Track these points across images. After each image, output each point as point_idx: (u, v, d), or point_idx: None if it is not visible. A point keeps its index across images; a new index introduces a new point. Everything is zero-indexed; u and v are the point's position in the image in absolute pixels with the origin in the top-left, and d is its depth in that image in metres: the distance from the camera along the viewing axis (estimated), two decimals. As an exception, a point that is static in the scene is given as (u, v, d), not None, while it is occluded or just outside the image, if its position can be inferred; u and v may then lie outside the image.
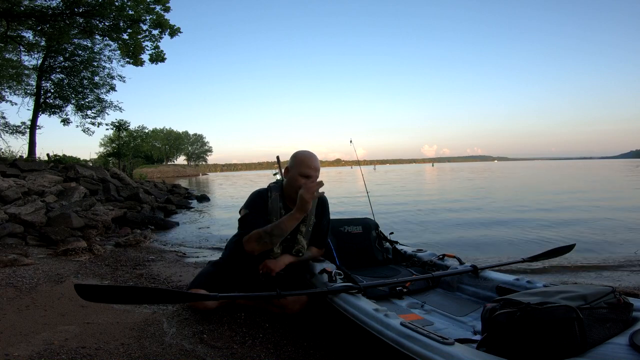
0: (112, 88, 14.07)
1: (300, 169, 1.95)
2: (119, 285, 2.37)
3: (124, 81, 14.08)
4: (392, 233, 2.68)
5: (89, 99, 14.08)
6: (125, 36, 11.18)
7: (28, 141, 12.67)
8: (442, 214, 7.77)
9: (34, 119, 12.80)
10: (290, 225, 1.85)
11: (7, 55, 11.53)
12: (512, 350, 1.02)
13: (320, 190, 2.18)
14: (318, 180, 1.86)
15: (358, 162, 3.72)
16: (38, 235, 4.33)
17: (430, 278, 1.93)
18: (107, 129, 23.47)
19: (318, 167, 2.00)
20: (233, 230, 2.20)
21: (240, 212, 2.03)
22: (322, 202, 2.15)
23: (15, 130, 12.75)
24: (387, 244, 2.61)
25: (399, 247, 2.56)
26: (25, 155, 11.91)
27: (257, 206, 1.99)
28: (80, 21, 10.85)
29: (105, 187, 8.26)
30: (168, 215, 8.40)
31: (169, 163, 76.78)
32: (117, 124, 21.40)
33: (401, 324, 1.21)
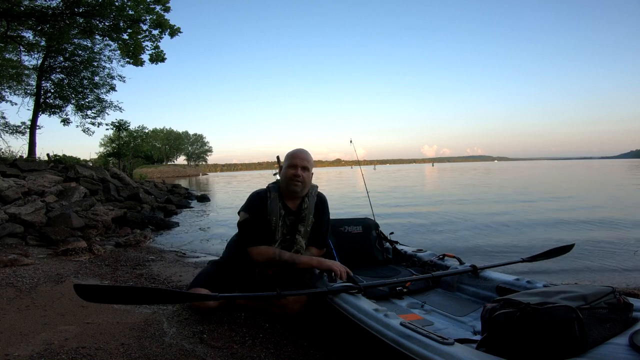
0: (112, 88, 14.07)
1: (288, 161, 2.03)
2: (119, 285, 2.37)
3: (124, 81, 14.09)
4: (392, 233, 2.68)
5: (89, 99, 14.07)
6: (125, 36, 11.18)
7: (28, 141, 12.66)
8: (460, 215, 7.77)
9: (34, 119, 12.79)
10: (303, 266, 1.91)
11: (7, 55, 11.52)
12: (511, 351, 1.02)
13: (320, 190, 2.19)
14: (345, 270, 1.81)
15: (358, 162, 3.72)
16: (38, 235, 4.33)
17: (430, 278, 1.93)
18: (107, 129, 23.53)
19: (305, 158, 2.03)
20: (233, 230, 2.19)
21: (239, 214, 2.03)
22: (321, 201, 2.15)
23: (15, 130, 12.75)
24: (387, 244, 2.61)
25: (399, 247, 2.57)
26: (25, 155, 11.90)
27: (256, 208, 1.99)
28: (80, 21, 10.85)
29: (105, 187, 8.26)
30: (168, 215, 8.40)
31: (169, 163, 76.75)
32: (117, 124, 21.41)
33: (401, 324, 1.21)
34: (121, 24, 10.70)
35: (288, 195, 2.03)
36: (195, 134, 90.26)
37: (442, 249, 3.55)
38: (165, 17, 11.02)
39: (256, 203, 2.01)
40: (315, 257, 1.97)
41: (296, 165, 1.98)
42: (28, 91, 13.01)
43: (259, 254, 1.91)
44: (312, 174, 2.08)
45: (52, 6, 10.36)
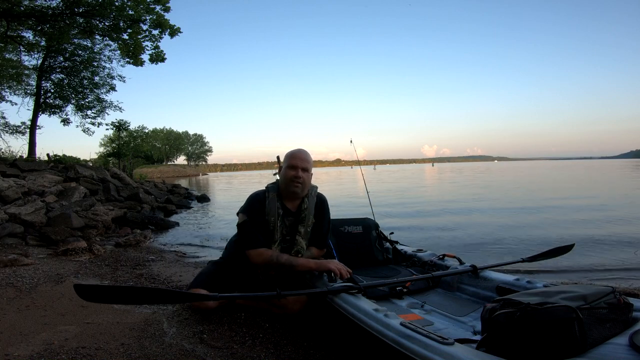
0: (112, 88, 14.07)
1: (288, 162, 2.01)
2: (119, 285, 2.37)
3: (124, 81, 14.09)
4: (392, 233, 2.68)
5: (89, 99, 14.07)
6: (125, 36, 11.18)
7: (28, 141, 12.66)
8: (449, 214, 7.77)
9: (34, 119, 12.79)
10: (301, 269, 1.89)
11: (7, 55, 11.53)
12: (511, 351, 1.02)
13: (319, 190, 2.19)
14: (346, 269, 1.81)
15: (358, 162, 3.72)
16: (38, 235, 4.33)
17: (430, 278, 1.93)
18: (107, 129, 23.51)
19: (305, 159, 2.03)
20: (233, 230, 2.20)
21: (238, 215, 2.03)
22: (321, 201, 2.15)
23: (15, 130, 12.75)
24: (387, 244, 2.61)
25: (399, 247, 2.56)
26: (25, 155, 11.90)
27: (254, 210, 1.99)
28: (80, 21, 10.85)
29: (105, 187, 8.26)
30: (168, 215, 8.40)
31: (169, 163, 76.77)
32: (117, 124, 21.42)
33: (401, 324, 1.21)
34: (121, 24, 10.70)
35: (287, 196, 2.03)
36: (195, 134, 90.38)
37: (442, 249, 3.55)
38: (165, 17, 11.03)
39: (255, 204, 2.00)
40: (313, 259, 1.96)
41: (296, 167, 1.98)
42: (28, 91, 13.03)
43: (257, 255, 1.91)
44: (312, 174, 2.08)
45: (52, 6, 10.37)
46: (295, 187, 1.98)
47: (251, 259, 1.93)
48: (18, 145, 46.08)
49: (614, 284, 2.82)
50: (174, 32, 11.27)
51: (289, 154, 2.06)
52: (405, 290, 1.94)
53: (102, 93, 14.12)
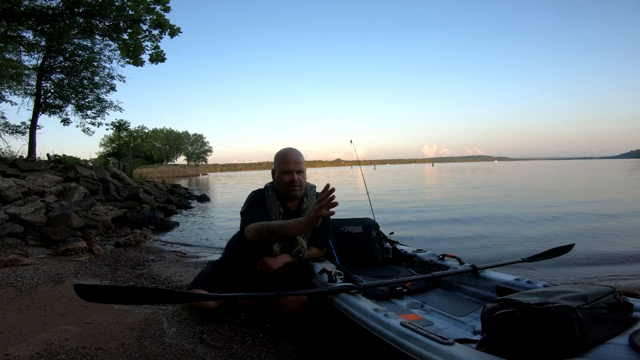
0: (112, 88, 14.08)
1: (281, 167, 1.98)
2: (119, 285, 2.36)
3: (124, 81, 14.10)
4: (392, 233, 2.69)
5: (89, 99, 14.08)
6: (125, 36, 11.19)
7: (28, 141, 12.67)
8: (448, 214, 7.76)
9: (34, 119, 12.80)
10: (293, 233, 1.81)
11: (7, 55, 11.53)
12: (511, 351, 1.02)
13: (318, 190, 2.18)
14: (331, 194, 1.66)
15: (358, 162, 3.72)
16: (38, 235, 4.33)
17: (430, 278, 1.93)
18: (107, 129, 23.57)
19: (298, 161, 1.99)
20: (233, 230, 2.20)
21: (241, 212, 2.04)
22: (322, 201, 2.15)
23: (15, 130, 12.76)
24: (387, 244, 2.61)
25: (399, 247, 2.56)
26: (25, 155, 11.91)
27: (257, 202, 2.01)
28: (80, 21, 10.85)
29: (105, 187, 8.26)
30: (168, 215, 8.40)
31: (169, 163, 76.82)
32: (117, 124, 21.46)
33: (401, 324, 1.21)
34: (121, 24, 10.70)
35: (286, 197, 2.04)
36: (195, 134, 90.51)
37: (442, 249, 3.55)
38: (165, 17, 11.03)
39: (257, 198, 2.03)
40: (304, 220, 1.76)
41: (291, 171, 1.97)
42: (28, 91, 13.03)
43: (249, 231, 1.85)
44: (305, 172, 2.09)
45: (52, 6, 10.37)
46: (294, 190, 1.99)
47: (247, 237, 1.87)
48: (18, 145, 46.10)
49: (614, 284, 2.82)
50: (174, 32, 11.28)
51: (281, 156, 2.02)
52: (405, 290, 1.94)
53: (102, 93, 14.15)
